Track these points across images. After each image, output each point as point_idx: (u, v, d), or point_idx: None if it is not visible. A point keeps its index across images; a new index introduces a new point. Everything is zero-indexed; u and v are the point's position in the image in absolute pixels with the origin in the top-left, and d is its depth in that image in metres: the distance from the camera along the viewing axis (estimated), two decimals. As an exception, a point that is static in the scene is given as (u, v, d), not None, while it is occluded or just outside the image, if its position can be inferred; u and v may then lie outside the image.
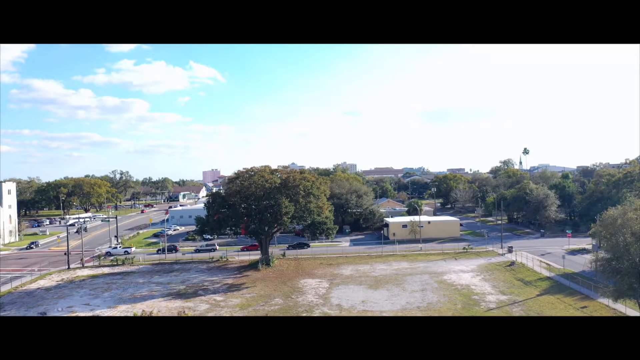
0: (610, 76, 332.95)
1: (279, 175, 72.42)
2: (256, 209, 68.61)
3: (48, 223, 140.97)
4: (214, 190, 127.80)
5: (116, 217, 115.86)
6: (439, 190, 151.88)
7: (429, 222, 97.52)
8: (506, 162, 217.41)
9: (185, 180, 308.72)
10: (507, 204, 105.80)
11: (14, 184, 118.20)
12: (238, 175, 73.14)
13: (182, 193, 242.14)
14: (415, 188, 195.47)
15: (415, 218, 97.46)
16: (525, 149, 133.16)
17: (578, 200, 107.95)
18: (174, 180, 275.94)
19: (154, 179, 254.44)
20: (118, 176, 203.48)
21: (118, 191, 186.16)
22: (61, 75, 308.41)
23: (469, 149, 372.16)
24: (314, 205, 71.42)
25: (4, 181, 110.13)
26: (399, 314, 48.26)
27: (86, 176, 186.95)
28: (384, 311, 49.48)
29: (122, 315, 49.49)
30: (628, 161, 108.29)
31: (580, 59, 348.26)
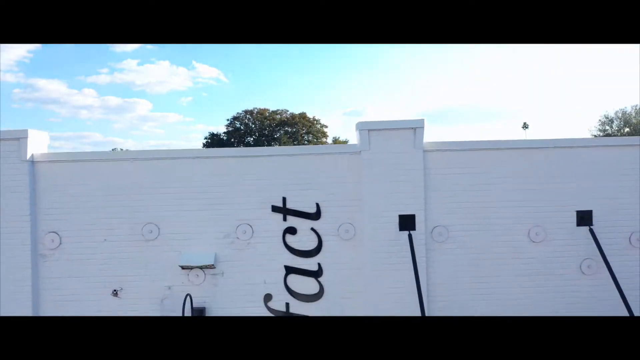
0: (610, 76, 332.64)
1: (278, 117, 72.22)
2: (254, 146, 68.03)
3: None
4: None
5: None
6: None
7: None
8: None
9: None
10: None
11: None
12: (236, 118, 72.87)
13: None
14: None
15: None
16: (524, 123, 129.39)
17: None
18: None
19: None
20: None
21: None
22: (65, 74, 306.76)
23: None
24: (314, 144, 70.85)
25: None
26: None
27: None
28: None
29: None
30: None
31: (580, 59, 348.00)
